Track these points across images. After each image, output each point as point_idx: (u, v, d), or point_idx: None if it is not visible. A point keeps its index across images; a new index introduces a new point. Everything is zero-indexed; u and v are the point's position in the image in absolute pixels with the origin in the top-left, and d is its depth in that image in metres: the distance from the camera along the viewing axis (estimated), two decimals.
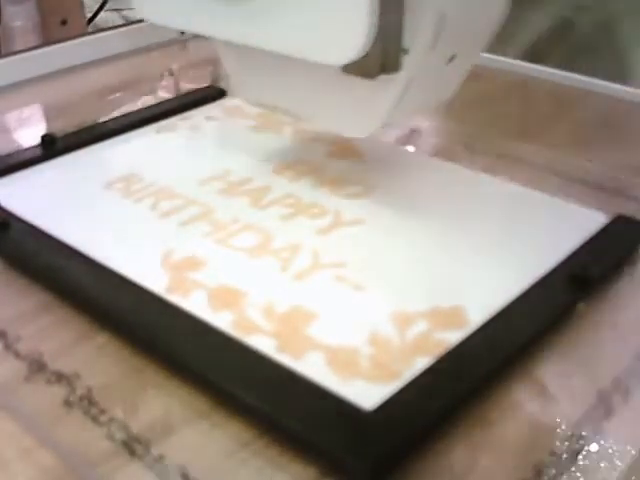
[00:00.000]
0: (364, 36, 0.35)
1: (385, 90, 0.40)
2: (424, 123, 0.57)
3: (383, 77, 0.38)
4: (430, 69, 0.41)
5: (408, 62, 0.38)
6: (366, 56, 0.36)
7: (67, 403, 0.31)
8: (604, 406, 0.31)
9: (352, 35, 0.36)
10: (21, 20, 1.01)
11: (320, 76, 0.41)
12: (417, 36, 0.38)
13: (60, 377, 0.33)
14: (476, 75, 0.44)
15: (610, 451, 0.29)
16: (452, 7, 0.37)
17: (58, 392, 0.32)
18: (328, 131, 0.46)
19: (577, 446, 0.29)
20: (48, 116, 0.61)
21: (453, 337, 0.33)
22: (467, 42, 0.42)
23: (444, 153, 0.52)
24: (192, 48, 0.72)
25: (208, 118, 0.56)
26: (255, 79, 0.46)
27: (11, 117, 0.59)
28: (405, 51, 0.38)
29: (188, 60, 0.70)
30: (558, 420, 0.30)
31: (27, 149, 0.51)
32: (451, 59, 0.41)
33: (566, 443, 0.29)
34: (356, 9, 0.35)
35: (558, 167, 0.50)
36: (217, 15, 0.41)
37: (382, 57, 0.38)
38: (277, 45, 0.39)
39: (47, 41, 0.76)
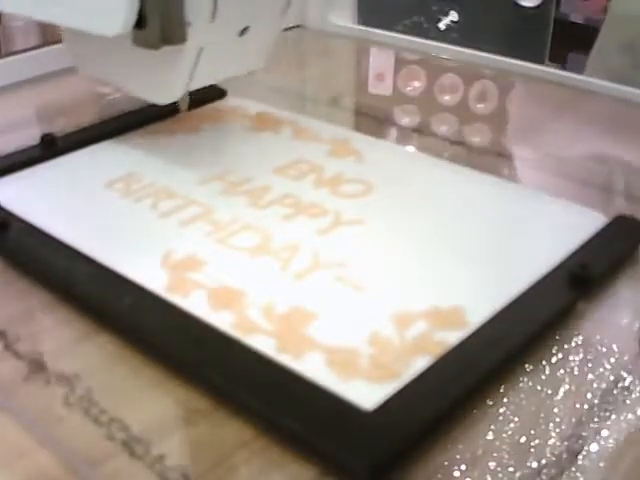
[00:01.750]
0: (123, 12, 0.42)
1: (177, 60, 0.46)
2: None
3: (172, 48, 0.44)
4: (220, 40, 0.47)
5: (192, 34, 0.44)
6: (147, 28, 0.43)
7: (67, 403, 0.31)
8: (604, 406, 0.31)
9: (115, 10, 0.43)
10: (21, 20, 1.01)
11: (129, 49, 0.45)
12: (198, 10, 0.44)
13: (60, 377, 0.33)
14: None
15: (610, 451, 0.29)
16: None
17: (58, 392, 0.32)
18: (139, 97, 0.51)
19: (577, 446, 0.29)
20: (48, 116, 0.61)
21: (453, 337, 0.33)
22: (257, 17, 0.49)
23: (444, 152, 0.52)
24: None
25: (208, 118, 0.56)
26: (87, 56, 0.52)
27: (11, 117, 0.59)
28: (188, 24, 0.43)
29: None
30: (558, 420, 0.30)
31: (27, 149, 0.51)
32: (243, 31, 0.48)
33: (566, 443, 0.29)
34: None
35: (558, 167, 0.50)
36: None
37: (163, 30, 0.43)
38: (66, 20, 0.46)
39: (47, 41, 0.75)
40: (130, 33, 0.43)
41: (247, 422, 0.30)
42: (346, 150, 0.51)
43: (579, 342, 0.35)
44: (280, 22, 0.51)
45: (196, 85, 0.49)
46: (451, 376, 0.31)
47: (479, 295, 0.36)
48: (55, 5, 0.46)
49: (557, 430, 0.30)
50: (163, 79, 0.48)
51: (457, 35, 1.47)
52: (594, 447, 0.29)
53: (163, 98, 0.49)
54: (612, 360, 0.34)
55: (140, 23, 0.43)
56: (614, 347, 0.34)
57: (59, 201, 0.45)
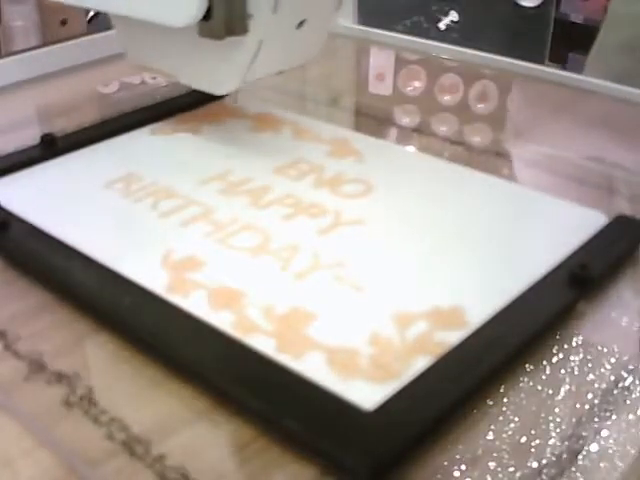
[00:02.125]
0: (195, 3, 0.43)
1: (237, 51, 0.47)
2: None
3: (233, 39, 0.45)
4: (279, 33, 0.48)
5: (254, 26, 0.45)
6: (213, 20, 0.44)
7: (67, 403, 0.31)
8: (604, 406, 0.31)
9: (187, 2, 0.44)
10: (21, 20, 1.01)
11: (187, 40, 0.47)
12: (260, 3, 0.45)
13: (60, 377, 0.33)
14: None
15: (610, 451, 0.29)
16: None
17: (58, 392, 0.32)
18: (195, 87, 0.52)
19: (577, 446, 0.29)
20: (48, 116, 0.61)
21: (453, 337, 0.33)
22: (314, 9, 0.50)
23: (444, 152, 0.52)
24: None
25: (208, 118, 0.56)
26: (139, 45, 0.53)
27: (11, 117, 0.59)
28: (250, 16, 0.45)
29: None
30: (558, 420, 0.30)
31: (27, 149, 0.51)
32: (300, 24, 0.49)
33: (566, 443, 0.29)
34: None
35: (558, 167, 0.50)
36: None
37: (227, 21, 0.44)
38: (133, 11, 0.47)
39: (47, 41, 0.76)
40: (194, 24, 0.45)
41: (247, 422, 0.30)
42: (346, 150, 0.51)
43: (579, 342, 0.35)
44: (334, 16, 0.53)
45: (252, 77, 0.49)
46: (451, 376, 0.31)
47: (479, 295, 0.36)
48: None
49: (557, 430, 0.30)
50: (222, 70, 0.49)
51: (457, 35, 1.47)
52: (594, 447, 0.29)
53: (220, 89, 0.51)
54: (612, 360, 0.34)
55: (206, 15, 0.44)
56: (614, 347, 0.34)
57: (59, 201, 0.45)
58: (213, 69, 0.49)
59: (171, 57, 0.51)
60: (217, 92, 0.51)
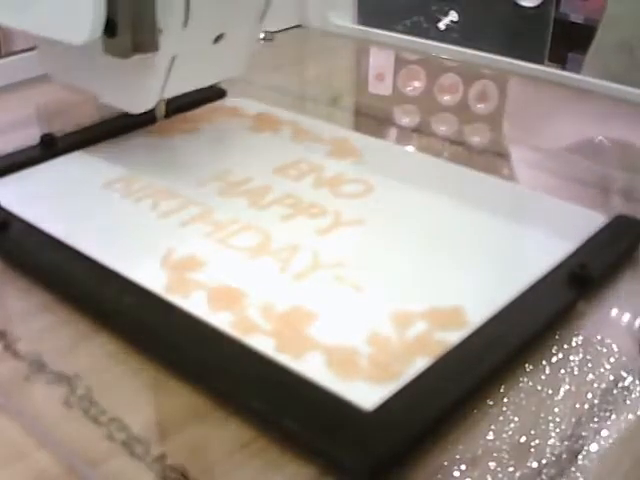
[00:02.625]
0: (90, 21, 0.41)
1: (149, 68, 0.45)
2: None
3: (146, 56, 0.43)
4: (194, 48, 0.46)
5: (165, 42, 0.43)
6: (118, 37, 0.42)
7: (67, 403, 0.31)
8: (604, 406, 0.31)
9: (82, 18, 0.42)
10: None
11: (104, 57, 0.45)
12: (170, 17, 0.43)
13: (60, 377, 0.33)
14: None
15: (610, 451, 0.29)
16: None
17: (58, 392, 0.32)
18: (113, 106, 0.50)
19: (577, 446, 0.29)
20: (48, 116, 0.61)
21: (453, 337, 0.33)
22: (232, 23, 0.48)
23: (444, 152, 0.52)
24: None
25: (208, 118, 0.56)
26: (60, 63, 0.51)
27: (11, 117, 0.59)
28: (160, 31, 0.43)
29: None
30: (558, 420, 0.30)
31: (27, 149, 0.51)
32: (218, 38, 0.47)
33: (566, 443, 0.29)
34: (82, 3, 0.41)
35: (557, 167, 0.50)
36: (6, 6, 0.47)
37: (135, 37, 0.42)
38: (36, 28, 0.45)
39: None
40: (101, 41, 0.43)
41: (247, 422, 0.30)
42: (346, 150, 0.51)
43: (579, 342, 0.35)
44: (258, 27, 0.51)
45: (170, 93, 0.48)
46: (451, 376, 0.31)
47: (479, 295, 0.36)
48: (23, 12, 0.45)
49: (557, 430, 0.30)
50: (136, 87, 0.47)
51: (457, 35, 1.47)
52: (594, 447, 0.29)
53: (136, 107, 0.48)
54: (612, 360, 0.34)
55: (111, 31, 0.42)
56: (614, 347, 0.34)
57: (59, 201, 0.45)
58: (128, 87, 0.47)
59: (89, 75, 0.49)
60: (134, 110, 0.49)
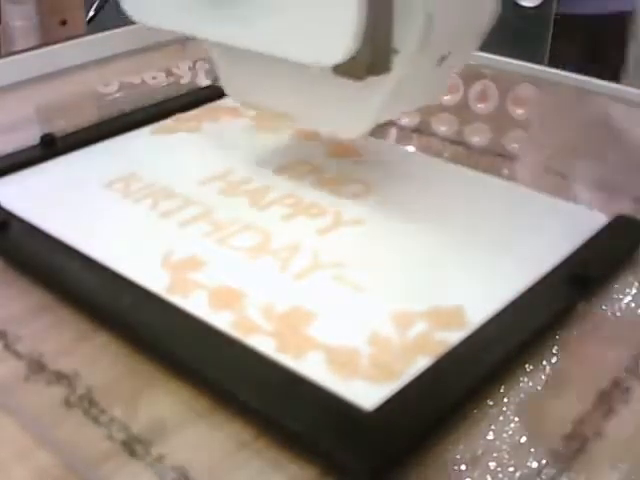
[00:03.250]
0: (352, 37, 0.35)
1: (375, 91, 0.40)
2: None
3: (370, 79, 0.38)
4: (420, 70, 0.41)
5: (398, 63, 0.38)
6: (354, 58, 0.36)
7: (67, 403, 0.31)
8: (604, 406, 0.31)
9: (339, 36, 0.36)
10: (21, 20, 1.01)
11: (310, 76, 0.40)
12: (406, 37, 0.37)
13: (60, 377, 0.33)
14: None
15: (610, 451, 0.29)
16: (439, 8, 0.38)
17: (58, 392, 0.32)
18: (321, 131, 0.46)
19: (577, 446, 0.29)
20: (48, 116, 0.61)
21: (453, 337, 0.33)
22: (458, 42, 0.42)
23: (444, 152, 0.52)
24: (191, 48, 0.72)
25: (208, 118, 0.56)
26: (246, 80, 0.45)
27: (11, 117, 0.59)
28: (395, 52, 0.38)
29: (187, 60, 0.70)
30: (558, 420, 0.30)
31: (27, 149, 0.51)
32: (442, 60, 0.41)
33: (566, 443, 0.29)
34: (344, 10, 0.35)
35: (558, 167, 0.50)
36: (206, 16, 0.41)
37: (371, 58, 0.37)
38: (265, 46, 0.39)
39: (47, 41, 0.76)
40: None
41: (247, 422, 0.30)
42: (346, 150, 0.51)
43: (579, 342, 0.35)
44: (475, 46, 0.44)
45: (385, 118, 0.44)
46: (451, 376, 0.31)
47: (479, 295, 0.36)
48: (248, 26, 0.39)
49: (557, 430, 0.30)
50: (352, 111, 0.41)
51: None
52: (594, 447, 0.29)
53: (349, 132, 0.44)
54: (612, 360, 0.34)
55: None
56: (614, 347, 0.34)
57: (59, 201, 0.45)
58: (341, 110, 0.42)
59: (284, 94, 0.44)
60: (345, 136, 0.45)
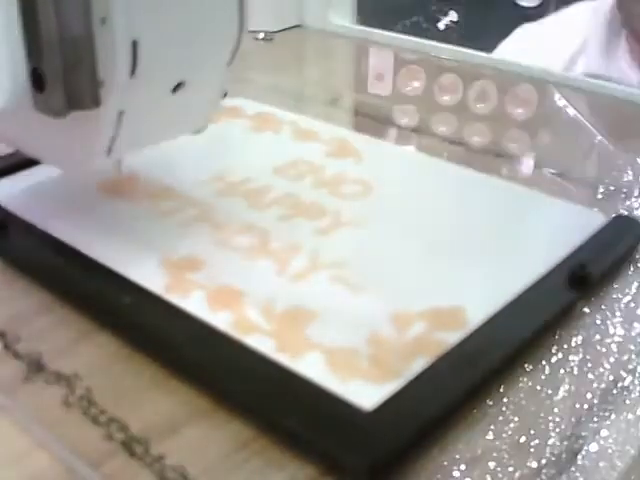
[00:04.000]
0: (7, 84, 0.33)
1: (89, 126, 0.36)
2: None
3: (85, 113, 0.35)
4: (146, 99, 0.37)
5: (107, 95, 0.35)
6: (47, 91, 0.34)
7: (66, 403, 0.31)
8: (604, 406, 0.31)
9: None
10: None
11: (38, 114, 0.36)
12: (111, 66, 0.34)
13: (59, 377, 0.33)
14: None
15: (610, 451, 0.29)
16: (149, 34, 0.35)
17: (57, 392, 0.32)
18: (48, 164, 0.43)
19: (577, 446, 0.29)
20: None
21: (452, 337, 0.33)
22: (193, 68, 0.38)
23: (444, 152, 0.52)
24: None
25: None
26: None
27: None
28: (101, 83, 0.34)
29: None
30: (558, 420, 0.30)
31: None
32: (177, 87, 0.38)
33: (565, 443, 0.29)
34: None
35: (557, 167, 0.50)
36: None
37: (69, 91, 0.34)
38: None
39: None
40: (29, 95, 0.35)
41: (247, 422, 0.30)
42: (346, 150, 0.51)
43: (579, 342, 0.35)
44: (226, 71, 0.41)
45: (122, 152, 0.40)
46: (451, 376, 0.31)
47: (479, 295, 0.36)
48: None
49: (557, 430, 0.30)
50: (77, 147, 0.38)
51: (457, 35, 1.47)
52: (594, 447, 0.29)
53: (77, 168, 0.41)
54: (612, 360, 0.34)
55: (38, 83, 0.34)
56: (614, 347, 0.34)
57: (59, 201, 0.45)
58: (65, 146, 0.39)
59: (19, 130, 0.40)
60: (73, 172, 0.43)
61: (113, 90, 0.35)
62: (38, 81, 0.34)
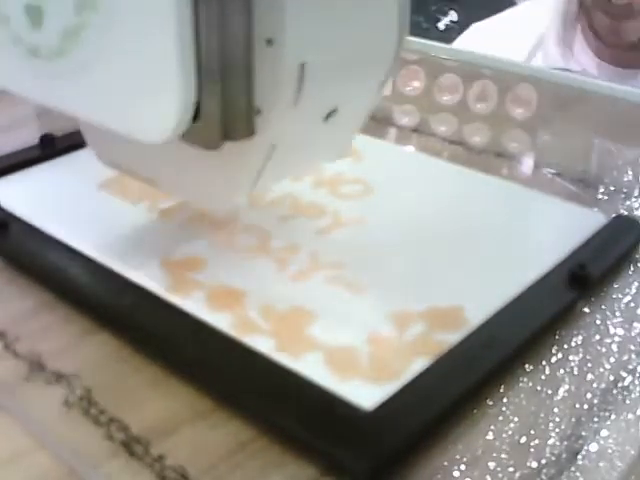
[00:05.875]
0: (177, 112, 0.29)
1: (241, 158, 0.33)
2: None
3: (236, 145, 0.31)
4: (300, 128, 0.34)
5: (264, 124, 0.31)
6: (202, 120, 0.30)
7: (66, 403, 0.31)
8: (604, 406, 0.31)
9: (163, 109, 0.30)
10: None
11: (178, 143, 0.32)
12: (272, 92, 0.31)
13: (59, 377, 0.33)
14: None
15: (610, 451, 0.29)
16: (315, 55, 0.31)
17: (57, 392, 0.32)
18: (189, 202, 0.41)
19: (577, 446, 0.29)
20: (48, 116, 0.61)
21: (452, 337, 0.33)
22: (348, 93, 0.36)
23: (444, 152, 0.52)
24: None
25: None
26: (110, 138, 0.35)
27: (11, 117, 0.59)
28: (258, 112, 0.31)
29: None
30: (557, 420, 0.30)
31: (27, 149, 0.51)
32: (330, 114, 0.35)
33: (565, 443, 0.29)
34: (166, 79, 0.29)
35: (557, 167, 0.50)
36: (24, 71, 0.34)
37: (223, 123, 0.30)
38: (85, 111, 0.33)
39: None
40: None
41: (247, 422, 0.30)
42: None
43: (579, 342, 0.35)
44: (377, 97, 0.38)
45: (265, 186, 0.37)
46: (451, 376, 0.31)
47: (479, 295, 0.36)
48: (70, 86, 0.33)
49: (557, 430, 0.30)
50: (223, 180, 0.35)
51: (457, 35, 1.47)
52: (594, 447, 0.29)
53: (218, 204, 0.38)
54: (612, 360, 0.34)
55: (193, 114, 0.30)
56: (614, 347, 0.34)
57: (59, 201, 0.45)
58: (210, 179, 0.36)
59: (151, 159, 0.37)
60: (214, 207, 0.39)
61: (270, 120, 0.31)
62: (194, 110, 0.30)
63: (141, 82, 0.30)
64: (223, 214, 0.40)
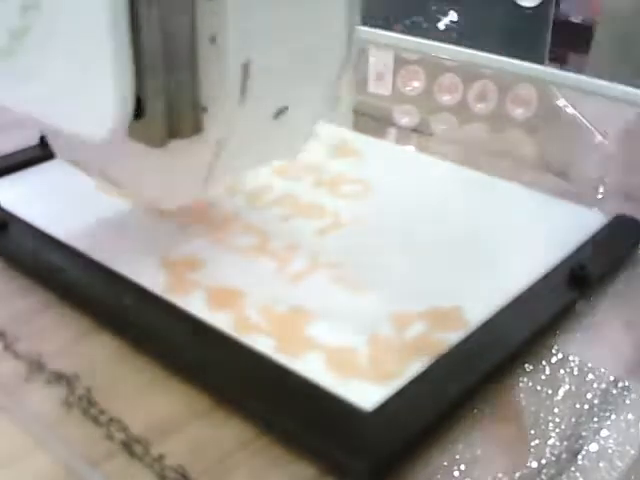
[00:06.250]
0: (113, 109, 0.29)
1: (189, 156, 0.34)
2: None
3: (180, 142, 0.32)
4: (248, 125, 0.34)
5: (211, 122, 0.32)
6: (147, 118, 0.30)
7: (66, 403, 0.31)
8: (604, 406, 0.31)
9: (100, 108, 0.30)
10: None
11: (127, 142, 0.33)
12: (218, 90, 0.31)
13: (59, 377, 0.33)
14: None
15: (610, 451, 0.29)
16: (260, 53, 0.32)
17: (57, 392, 0.32)
18: (146, 202, 0.41)
19: (577, 446, 0.29)
20: None
21: (452, 337, 0.33)
22: (298, 91, 0.36)
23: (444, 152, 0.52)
24: None
25: None
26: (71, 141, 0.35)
27: (11, 117, 0.59)
28: (204, 110, 0.32)
29: None
30: (558, 420, 0.30)
31: (27, 149, 0.51)
32: (280, 112, 0.35)
33: (565, 443, 0.29)
34: (102, 77, 0.29)
35: (557, 167, 0.50)
36: None
37: (169, 120, 0.31)
38: (37, 111, 0.34)
39: None
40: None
41: (247, 422, 0.30)
42: (346, 150, 0.51)
43: (579, 342, 0.35)
44: (332, 94, 0.38)
45: (217, 181, 0.37)
46: (451, 376, 0.31)
47: (479, 295, 0.36)
48: (21, 85, 0.34)
49: (557, 430, 0.30)
50: (178, 178, 0.36)
51: (457, 35, 1.47)
52: (594, 447, 0.29)
53: (170, 202, 0.39)
54: (612, 360, 0.34)
55: (137, 111, 0.30)
56: (613, 347, 0.34)
57: (59, 201, 0.45)
58: (159, 178, 0.37)
59: (107, 159, 0.38)
60: (165, 206, 0.40)
61: (217, 117, 0.32)
62: (137, 107, 0.30)
63: (81, 81, 0.30)
64: (176, 210, 0.41)
